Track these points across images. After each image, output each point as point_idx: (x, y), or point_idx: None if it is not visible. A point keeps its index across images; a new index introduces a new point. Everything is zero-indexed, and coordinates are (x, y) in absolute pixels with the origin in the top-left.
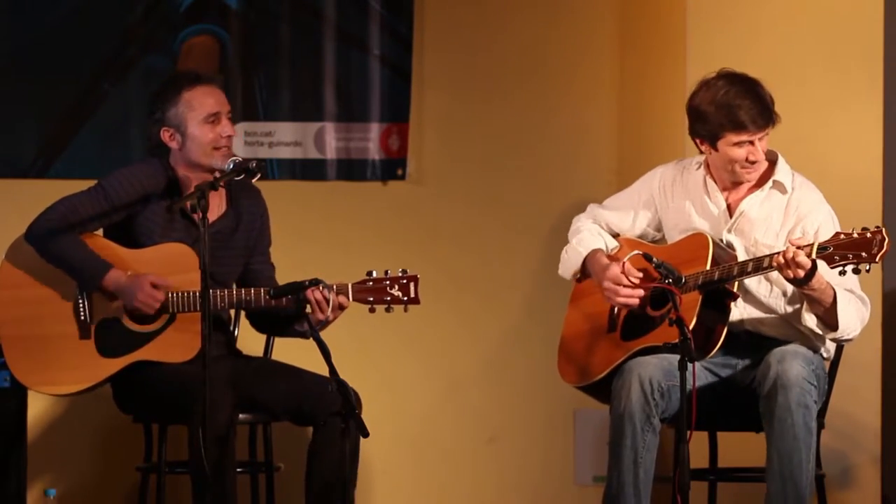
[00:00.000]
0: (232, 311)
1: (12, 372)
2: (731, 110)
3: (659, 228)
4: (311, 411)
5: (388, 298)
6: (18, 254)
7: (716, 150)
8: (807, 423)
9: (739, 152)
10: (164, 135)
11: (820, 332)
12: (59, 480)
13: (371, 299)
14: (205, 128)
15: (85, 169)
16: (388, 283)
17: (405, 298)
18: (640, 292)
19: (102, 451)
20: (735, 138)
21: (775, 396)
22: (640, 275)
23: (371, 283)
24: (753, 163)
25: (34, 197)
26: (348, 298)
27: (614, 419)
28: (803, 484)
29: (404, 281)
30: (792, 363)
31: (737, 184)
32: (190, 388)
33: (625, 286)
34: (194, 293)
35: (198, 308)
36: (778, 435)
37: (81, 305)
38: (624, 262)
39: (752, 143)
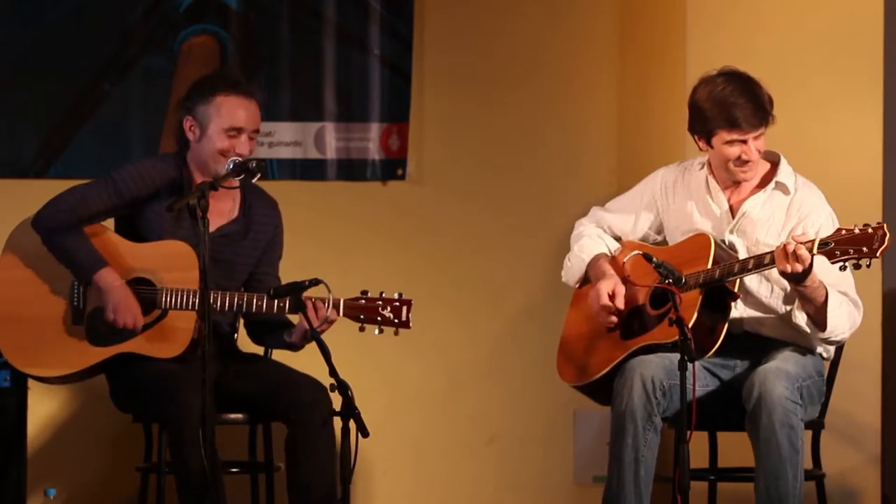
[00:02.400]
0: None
1: (1, 351)
2: (725, 107)
3: (660, 231)
4: (283, 408)
5: (379, 319)
6: (21, 237)
7: (711, 147)
8: (792, 442)
9: (732, 150)
10: (186, 123)
11: (808, 331)
12: (59, 480)
13: (362, 317)
14: (222, 137)
15: (85, 169)
16: (380, 304)
17: (396, 321)
18: (614, 319)
19: (102, 451)
20: (727, 136)
21: (759, 417)
22: (622, 306)
23: (363, 302)
24: (746, 162)
25: (34, 197)
26: (338, 313)
27: (616, 417)
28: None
29: (397, 304)
30: (775, 383)
31: (739, 184)
32: (165, 389)
33: (605, 306)
34: (187, 291)
35: (189, 307)
36: (764, 455)
37: (76, 292)
38: (625, 262)
39: (744, 142)
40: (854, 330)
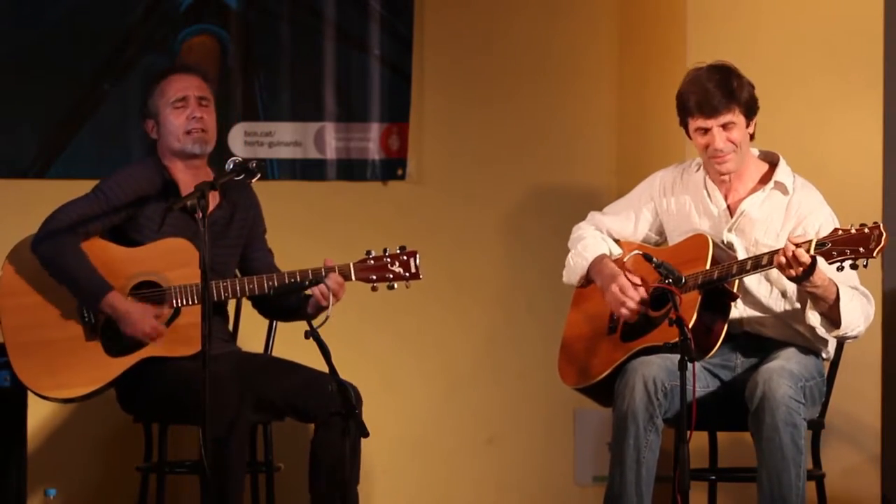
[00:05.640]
0: (233, 305)
1: (22, 380)
2: (688, 95)
3: (661, 232)
4: (313, 408)
5: (391, 276)
6: (19, 260)
7: (691, 139)
8: (795, 441)
9: (701, 140)
10: (148, 126)
11: (823, 331)
12: (59, 480)
13: (374, 277)
14: (175, 113)
15: (85, 169)
16: (388, 260)
17: (406, 274)
18: (640, 308)
19: (103, 451)
20: (693, 124)
21: (762, 416)
22: (645, 294)
23: (372, 262)
24: (719, 153)
25: (34, 197)
26: (351, 277)
27: (617, 418)
28: (793, 503)
29: (405, 257)
30: (779, 382)
31: (735, 183)
32: (199, 387)
33: (630, 296)
34: (196, 286)
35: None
36: (766, 454)
37: (85, 308)
38: (625, 261)
39: (708, 129)
40: (869, 322)
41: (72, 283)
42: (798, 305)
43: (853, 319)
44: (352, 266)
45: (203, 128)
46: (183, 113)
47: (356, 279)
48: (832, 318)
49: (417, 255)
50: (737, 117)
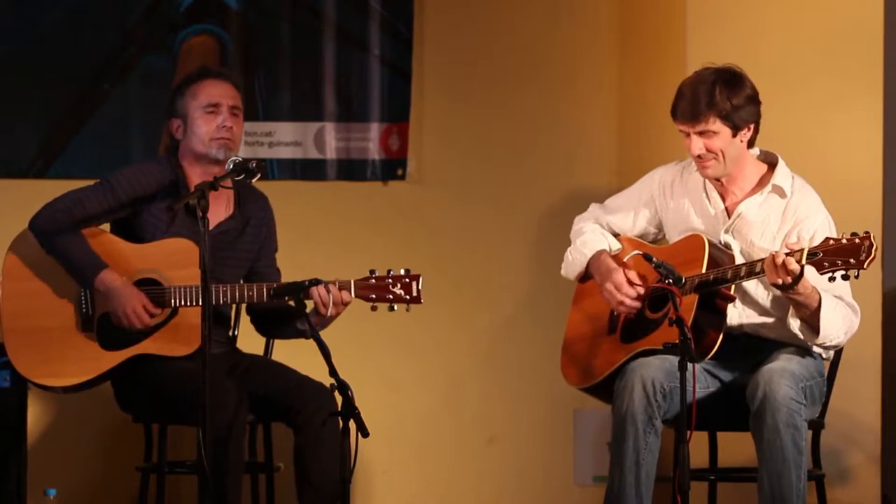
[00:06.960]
0: (233, 310)
1: (13, 364)
2: (675, 95)
3: (660, 227)
4: (298, 410)
5: (391, 297)
6: (23, 246)
7: None
8: (796, 442)
9: (684, 142)
10: (173, 125)
11: (802, 337)
12: (59, 480)
13: (373, 297)
14: (205, 117)
15: (84, 169)
16: (390, 281)
17: (408, 297)
18: (638, 304)
19: (102, 451)
20: (676, 125)
21: (763, 417)
22: (642, 290)
23: (374, 281)
24: (697, 157)
25: (34, 197)
26: (351, 294)
27: (616, 420)
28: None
29: (407, 280)
30: (780, 383)
31: (732, 185)
32: (194, 387)
33: (625, 293)
34: (197, 287)
35: (200, 303)
36: (767, 455)
37: (84, 298)
38: (625, 264)
39: (688, 134)
40: (851, 334)
41: (66, 259)
42: None
43: (832, 329)
44: (352, 283)
45: (231, 137)
46: (214, 120)
47: (356, 296)
48: (812, 325)
49: (420, 279)
50: (715, 126)
